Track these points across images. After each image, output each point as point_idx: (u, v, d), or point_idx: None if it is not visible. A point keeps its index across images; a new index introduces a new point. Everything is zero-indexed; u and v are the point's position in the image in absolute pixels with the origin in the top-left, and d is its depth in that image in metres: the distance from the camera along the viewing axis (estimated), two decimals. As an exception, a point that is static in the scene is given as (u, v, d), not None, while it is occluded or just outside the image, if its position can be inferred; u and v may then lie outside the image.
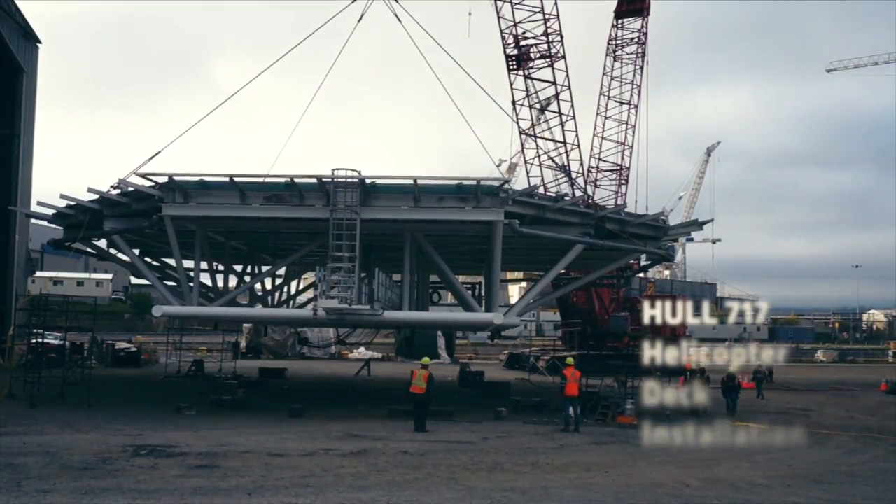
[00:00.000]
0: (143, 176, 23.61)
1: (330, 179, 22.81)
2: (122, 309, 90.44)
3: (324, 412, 25.83)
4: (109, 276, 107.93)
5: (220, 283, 31.44)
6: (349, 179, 22.77)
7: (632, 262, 35.33)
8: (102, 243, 31.01)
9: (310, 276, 45.09)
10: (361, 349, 57.11)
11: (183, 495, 13.49)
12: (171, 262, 33.11)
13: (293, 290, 40.22)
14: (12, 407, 24.24)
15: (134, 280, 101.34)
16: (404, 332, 54.71)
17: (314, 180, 23.15)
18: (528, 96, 46.62)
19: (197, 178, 23.80)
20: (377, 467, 16.45)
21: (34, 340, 30.96)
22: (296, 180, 23.28)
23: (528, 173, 48.37)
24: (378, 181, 23.75)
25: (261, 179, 23.99)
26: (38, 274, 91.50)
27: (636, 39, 50.38)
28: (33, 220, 45.60)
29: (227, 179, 23.39)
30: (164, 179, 23.38)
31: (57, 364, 29.02)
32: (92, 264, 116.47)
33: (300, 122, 40.03)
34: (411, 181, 23.27)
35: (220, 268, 31.94)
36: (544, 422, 24.50)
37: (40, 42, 42.10)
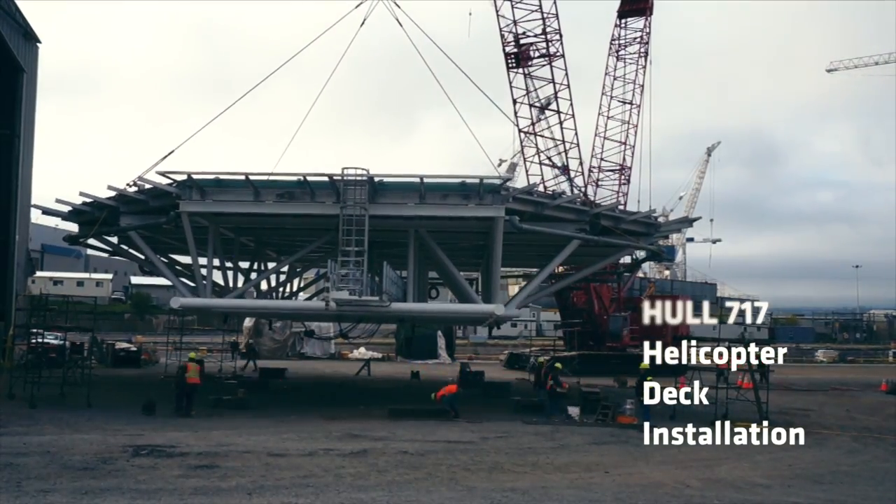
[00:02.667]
0: (163, 174, 24.50)
1: (340, 177, 23.76)
2: (123, 309, 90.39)
3: (324, 412, 25.84)
4: (109, 276, 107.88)
5: (228, 278, 31.78)
6: (358, 178, 23.75)
7: (618, 261, 36.15)
8: (107, 240, 31.65)
9: (309, 276, 45.35)
10: (361, 349, 57.10)
11: (183, 495, 13.49)
12: (176, 257, 33.62)
13: (294, 287, 40.45)
14: (12, 407, 24.26)
15: (134, 280, 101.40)
16: (405, 332, 54.77)
17: (325, 178, 24.13)
18: (527, 94, 46.69)
19: (213, 177, 24.73)
20: (377, 467, 16.44)
21: (34, 340, 30.98)
22: (307, 178, 24.22)
23: (527, 172, 48.48)
24: (385, 179, 24.68)
25: (274, 177, 24.86)
26: (38, 274, 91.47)
27: (639, 39, 50.44)
28: (33, 220, 45.65)
29: (241, 177, 24.38)
30: (183, 177, 24.31)
31: (57, 364, 29.02)
32: (92, 264, 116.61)
33: (302, 125, 40.28)
34: (417, 179, 24.21)
35: (227, 263, 32.34)
36: (543, 422, 24.48)
37: (40, 42, 42.04)
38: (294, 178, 24.38)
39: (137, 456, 16.96)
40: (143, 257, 31.92)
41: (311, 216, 25.42)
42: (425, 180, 24.20)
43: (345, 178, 23.68)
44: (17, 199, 39.28)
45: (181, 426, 21.99)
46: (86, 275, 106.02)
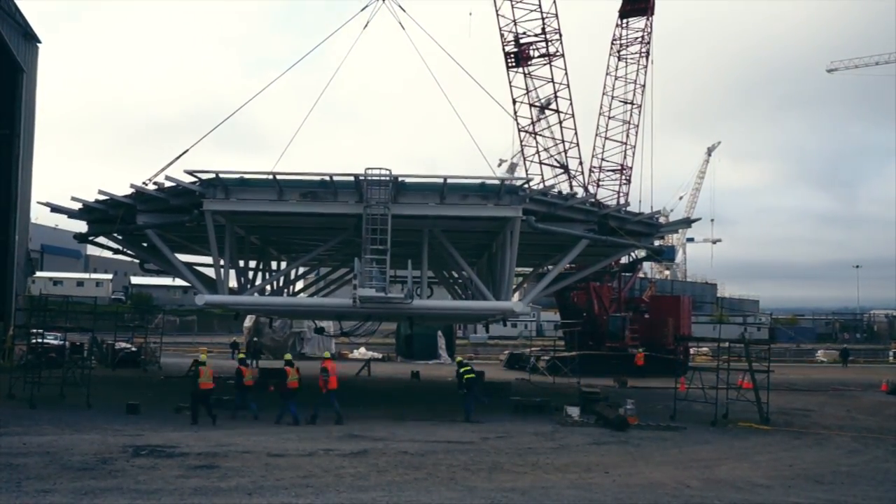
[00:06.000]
0: (190, 172, 24.61)
1: (364, 177, 24.06)
2: (123, 309, 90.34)
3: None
4: (109, 276, 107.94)
5: (240, 276, 31.98)
6: (382, 178, 24.02)
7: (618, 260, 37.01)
8: (114, 238, 31.73)
9: (309, 277, 45.33)
10: (362, 349, 57.09)
11: (183, 495, 13.47)
12: (180, 255, 33.75)
13: (299, 284, 40.66)
14: (12, 407, 24.27)
15: (134, 280, 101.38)
16: (404, 332, 54.73)
17: (350, 178, 24.42)
18: (527, 93, 46.67)
19: (237, 176, 24.95)
20: (377, 467, 16.44)
21: (34, 340, 30.95)
22: (332, 178, 24.47)
23: (527, 171, 48.44)
24: (408, 180, 24.95)
25: (298, 177, 25.10)
26: (38, 274, 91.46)
27: (640, 39, 50.36)
28: (33, 220, 45.53)
29: (265, 176, 24.64)
30: (210, 176, 24.47)
31: (57, 364, 29.01)
32: (92, 264, 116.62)
33: (303, 124, 40.48)
34: (440, 180, 24.57)
35: (240, 262, 32.55)
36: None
37: (40, 42, 42.07)
38: (318, 178, 24.65)
39: (137, 456, 16.95)
40: (147, 255, 32.03)
41: (334, 215, 25.70)
42: (447, 181, 24.57)
43: (368, 178, 23.94)
44: (17, 198, 39.30)
45: (181, 426, 21.98)
46: (86, 275, 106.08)
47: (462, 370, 26.66)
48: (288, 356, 26.04)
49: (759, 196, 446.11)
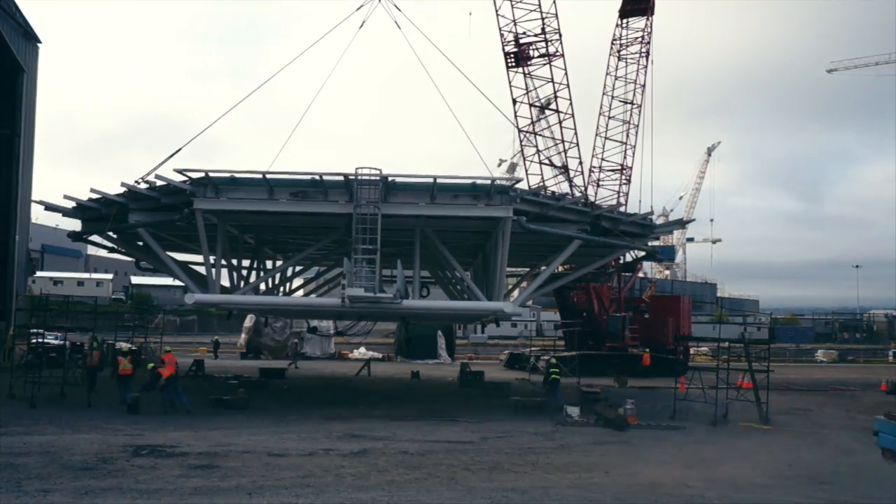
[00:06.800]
0: (180, 171, 24.55)
1: (354, 177, 24.00)
2: (123, 309, 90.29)
3: (324, 412, 25.85)
4: (110, 276, 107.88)
5: (233, 275, 31.92)
6: (372, 177, 23.98)
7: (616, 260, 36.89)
8: (109, 237, 31.56)
9: (308, 275, 45.34)
10: (362, 349, 57.07)
11: (183, 495, 13.50)
12: (174, 254, 33.74)
13: (293, 284, 40.60)
14: (12, 407, 24.27)
15: (134, 280, 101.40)
16: (404, 332, 54.77)
17: (340, 177, 24.37)
18: (527, 93, 46.63)
19: (227, 174, 24.87)
20: (377, 467, 16.45)
21: (34, 340, 30.98)
22: (322, 177, 24.40)
23: (527, 171, 48.40)
24: (398, 179, 24.83)
25: (288, 176, 25.06)
26: (38, 274, 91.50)
27: (640, 39, 50.34)
28: (33, 220, 45.46)
29: (255, 175, 24.56)
30: (200, 175, 24.40)
31: (57, 364, 29.02)
32: (92, 264, 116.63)
33: (299, 123, 40.46)
34: (430, 179, 24.43)
35: (233, 261, 32.48)
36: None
37: (40, 42, 42.07)
38: (308, 177, 24.57)
39: (137, 456, 16.97)
40: (141, 254, 31.98)
41: (324, 214, 25.62)
42: (437, 180, 24.44)
43: (359, 177, 23.88)
44: (17, 198, 39.30)
45: (181, 426, 21.99)
46: (86, 275, 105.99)
47: (550, 371, 30.11)
48: (124, 348, 26.73)
49: (732, 196, 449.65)
